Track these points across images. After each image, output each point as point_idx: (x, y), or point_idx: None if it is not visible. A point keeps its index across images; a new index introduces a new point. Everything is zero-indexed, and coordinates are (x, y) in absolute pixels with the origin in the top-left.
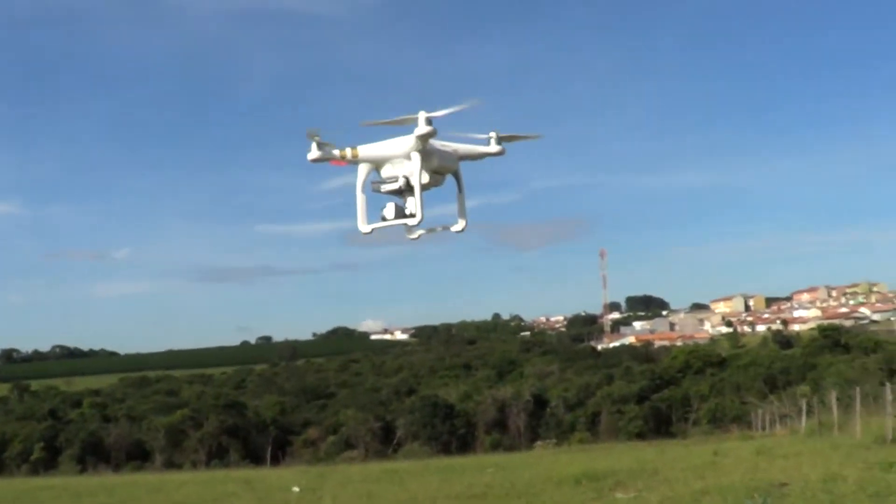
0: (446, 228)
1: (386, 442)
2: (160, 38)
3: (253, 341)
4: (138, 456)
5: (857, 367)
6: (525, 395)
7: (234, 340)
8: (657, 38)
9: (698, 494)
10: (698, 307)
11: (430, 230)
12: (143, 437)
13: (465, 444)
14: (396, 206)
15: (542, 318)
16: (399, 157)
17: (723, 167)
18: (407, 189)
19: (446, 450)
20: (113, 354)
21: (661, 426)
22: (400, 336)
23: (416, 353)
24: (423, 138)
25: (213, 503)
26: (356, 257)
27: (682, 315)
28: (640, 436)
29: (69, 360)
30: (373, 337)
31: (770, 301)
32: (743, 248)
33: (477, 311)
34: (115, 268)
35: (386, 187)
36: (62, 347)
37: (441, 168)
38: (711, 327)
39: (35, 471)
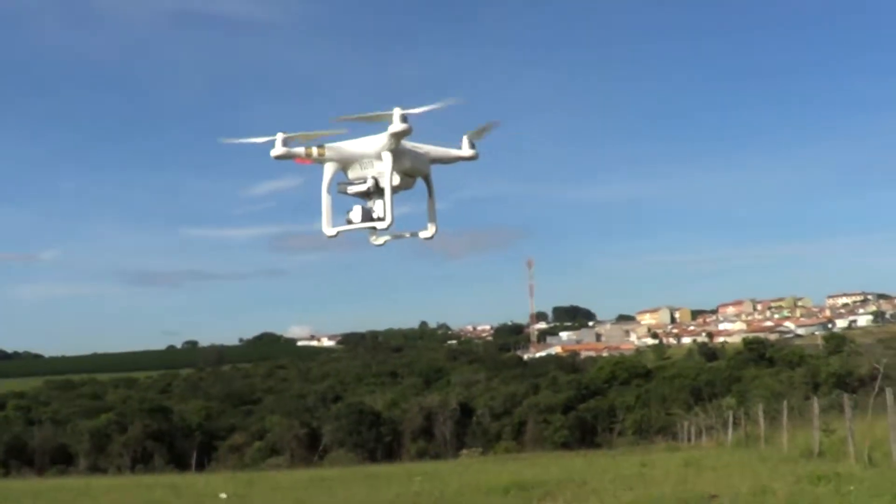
0: (414, 234)
1: (311, 448)
2: (91, 40)
3: (179, 346)
4: (62, 460)
5: (783, 380)
6: (451, 404)
7: (160, 344)
8: (583, 51)
9: None
10: (624, 318)
11: (398, 235)
12: (67, 441)
13: (391, 452)
14: (363, 209)
15: (469, 327)
16: (369, 157)
17: (650, 180)
18: (375, 191)
19: (372, 457)
20: (38, 357)
21: (586, 436)
22: (327, 343)
23: (342, 359)
24: (397, 136)
25: None
26: (284, 263)
27: (608, 326)
28: (566, 445)
29: None
30: (299, 343)
31: (696, 314)
32: (669, 260)
33: (404, 318)
34: (41, 270)
35: (353, 189)
36: None
37: (412, 170)
38: (637, 339)
39: None
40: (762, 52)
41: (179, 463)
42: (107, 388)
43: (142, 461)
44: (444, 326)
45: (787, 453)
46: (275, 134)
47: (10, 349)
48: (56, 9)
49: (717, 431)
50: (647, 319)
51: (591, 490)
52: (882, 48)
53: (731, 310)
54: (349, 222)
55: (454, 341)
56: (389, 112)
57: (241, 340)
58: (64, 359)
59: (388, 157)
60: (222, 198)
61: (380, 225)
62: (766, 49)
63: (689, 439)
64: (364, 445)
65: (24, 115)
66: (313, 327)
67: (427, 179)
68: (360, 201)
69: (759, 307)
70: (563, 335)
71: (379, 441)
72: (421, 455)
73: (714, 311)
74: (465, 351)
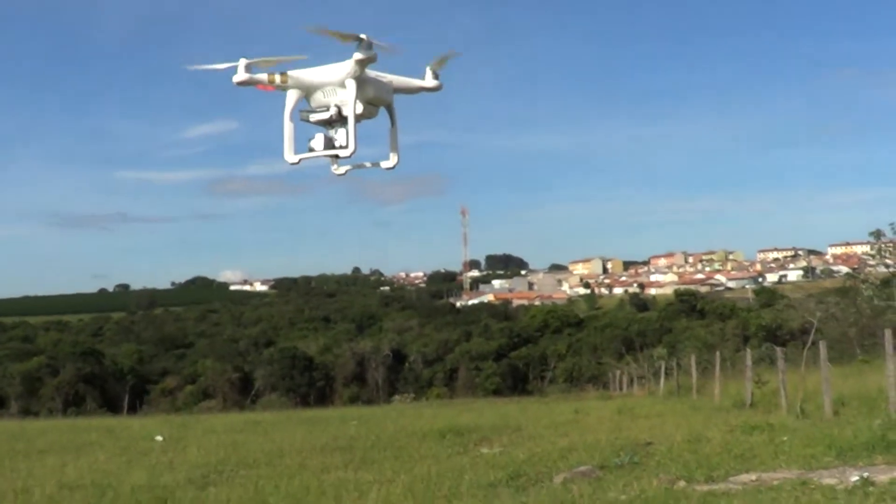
0: (376, 165)
1: (244, 392)
2: None
3: (111, 289)
4: None
5: (714, 332)
6: (384, 350)
7: (91, 288)
8: (514, 3)
9: (564, 451)
10: (557, 268)
11: (359, 166)
12: None
13: (323, 397)
14: (325, 138)
15: (402, 274)
16: (332, 85)
17: (583, 131)
18: (338, 119)
19: (304, 402)
20: None
21: (517, 384)
22: (259, 287)
23: (275, 304)
24: (362, 63)
25: (76, 451)
26: (217, 207)
27: (540, 275)
28: (498, 392)
29: None
30: (232, 287)
31: (627, 265)
32: (602, 211)
33: (337, 264)
34: None
35: (315, 116)
36: None
37: (376, 99)
38: (569, 288)
39: None
40: (691, 9)
41: (112, 406)
42: (38, 331)
43: (74, 404)
44: (378, 272)
45: (720, 403)
46: (237, 60)
47: None
48: None
49: (648, 381)
50: (580, 269)
51: (527, 436)
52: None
53: (662, 261)
54: (311, 150)
55: (387, 287)
56: (358, 35)
57: (173, 284)
58: None
59: (351, 85)
60: (152, 140)
61: (343, 153)
62: (697, 7)
63: (620, 388)
64: (296, 390)
65: None
66: (246, 272)
67: (390, 109)
68: (322, 129)
69: (690, 260)
70: (496, 283)
71: (311, 386)
72: (353, 400)
73: (646, 263)
74: (398, 297)
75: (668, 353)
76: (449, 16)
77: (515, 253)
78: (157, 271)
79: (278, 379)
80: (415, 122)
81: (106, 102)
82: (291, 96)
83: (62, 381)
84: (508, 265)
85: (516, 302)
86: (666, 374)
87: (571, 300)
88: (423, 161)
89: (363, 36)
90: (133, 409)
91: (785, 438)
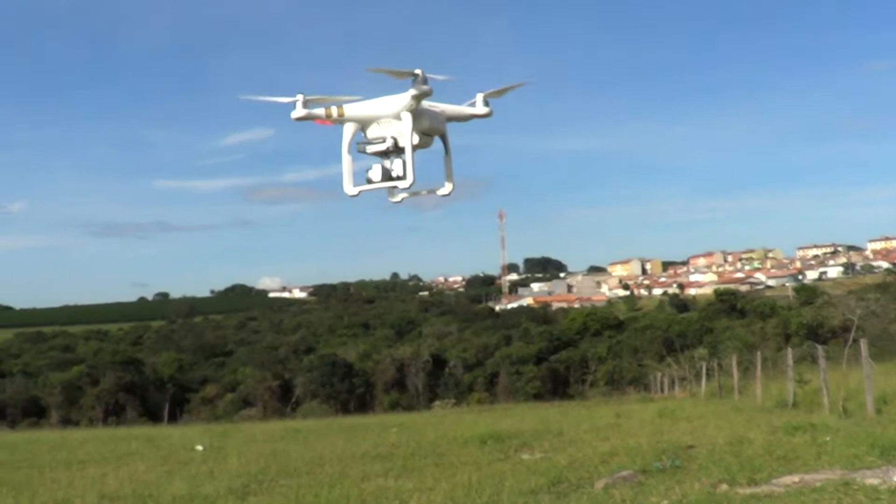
0: (432, 192)
1: (284, 400)
2: None
3: (150, 297)
4: (34, 412)
5: (755, 331)
6: (424, 355)
7: (130, 296)
8: (549, 6)
9: (606, 456)
10: (596, 270)
11: (415, 193)
12: (38, 394)
13: (363, 404)
14: (383, 168)
15: (441, 279)
16: (388, 117)
17: (619, 131)
18: (394, 150)
19: (345, 409)
20: (8, 309)
21: (558, 387)
22: (298, 294)
23: (314, 311)
24: (418, 98)
25: (116, 461)
26: (254, 215)
27: (579, 277)
28: (538, 397)
29: None
30: (271, 295)
31: (667, 265)
32: (640, 212)
33: (375, 270)
34: (9, 221)
35: (372, 148)
36: None
37: (430, 129)
38: (608, 290)
39: None
40: (728, 8)
41: (152, 415)
42: (78, 340)
43: (114, 413)
44: (416, 278)
45: (762, 404)
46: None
47: None
48: None
49: (689, 382)
50: (619, 271)
51: (568, 441)
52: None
53: (701, 261)
54: (369, 181)
55: (426, 293)
56: (413, 71)
57: (212, 292)
58: (34, 311)
59: (407, 118)
60: (189, 149)
61: (401, 184)
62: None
63: (661, 390)
64: (336, 397)
65: None
66: (284, 279)
67: (444, 137)
68: (379, 160)
69: (729, 259)
70: (535, 286)
71: (351, 393)
72: (393, 406)
73: (685, 263)
74: (437, 302)
75: (709, 353)
76: (483, 17)
77: (554, 255)
78: (196, 279)
79: (318, 386)
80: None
81: (144, 112)
82: (348, 129)
83: (102, 391)
84: (547, 268)
85: (555, 305)
86: (707, 375)
87: (611, 302)
88: (459, 165)
89: (418, 71)
90: (173, 418)
91: (828, 438)
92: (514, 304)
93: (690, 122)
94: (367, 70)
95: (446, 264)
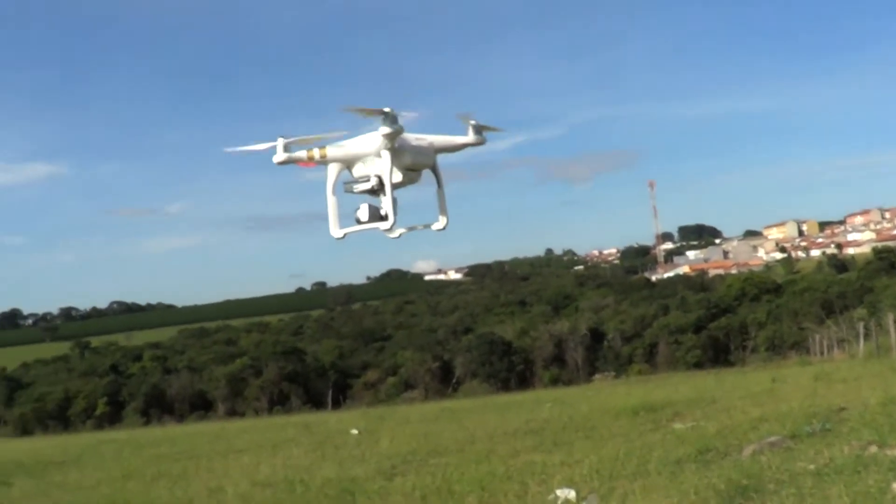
0: (427, 227)
1: (445, 381)
2: None
3: (308, 287)
4: (201, 406)
5: None
6: (581, 329)
7: (289, 287)
8: None
9: (756, 422)
10: (751, 234)
11: (411, 228)
12: (204, 388)
13: (523, 381)
14: (370, 207)
15: (595, 252)
16: (370, 155)
17: (769, 92)
18: (380, 188)
19: (506, 387)
20: (170, 307)
21: (719, 355)
22: (454, 275)
23: (470, 291)
24: (390, 137)
25: (272, 449)
26: (404, 199)
27: (735, 243)
28: (698, 365)
29: (127, 315)
30: (427, 277)
31: (823, 225)
32: (793, 173)
33: (529, 247)
34: (168, 222)
35: (359, 187)
36: (120, 303)
37: (415, 164)
38: (765, 254)
39: (100, 426)
40: None
41: (316, 403)
42: (240, 333)
43: (278, 403)
44: (570, 252)
45: None
46: (275, 139)
47: (143, 302)
48: None
49: (848, 344)
50: (775, 234)
51: (721, 408)
52: None
53: (858, 219)
54: (358, 221)
55: (581, 266)
56: (382, 109)
57: (368, 279)
58: (196, 308)
59: (386, 156)
60: None
61: (382, 225)
62: None
63: (821, 353)
64: (497, 375)
65: (139, 73)
66: (439, 261)
67: (434, 170)
68: (368, 199)
69: (887, 215)
70: (690, 254)
71: (511, 370)
72: (554, 382)
73: (842, 222)
74: (593, 275)
75: (868, 313)
76: None
77: (708, 222)
78: (352, 267)
79: (478, 365)
80: (587, 98)
81: (290, 105)
82: (332, 170)
83: (266, 381)
84: (702, 235)
85: (712, 272)
86: (866, 335)
87: (768, 266)
88: (606, 136)
89: (386, 109)
90: (337, 404)
91: None
92: (671, 273)
93: (842, 78)
94: (341, 109)
95: (600, 237)
